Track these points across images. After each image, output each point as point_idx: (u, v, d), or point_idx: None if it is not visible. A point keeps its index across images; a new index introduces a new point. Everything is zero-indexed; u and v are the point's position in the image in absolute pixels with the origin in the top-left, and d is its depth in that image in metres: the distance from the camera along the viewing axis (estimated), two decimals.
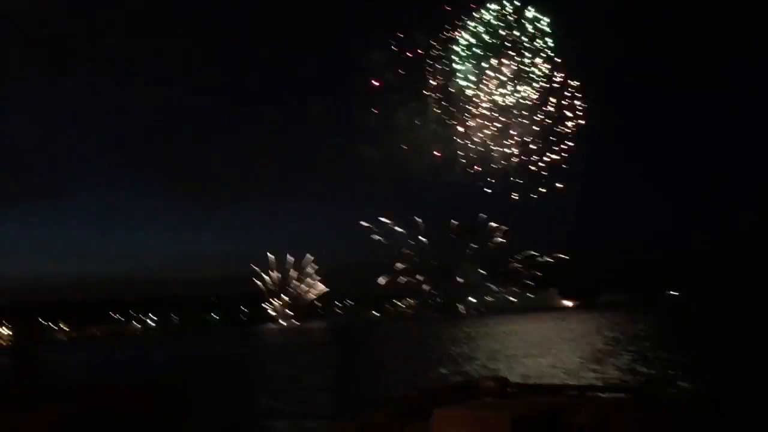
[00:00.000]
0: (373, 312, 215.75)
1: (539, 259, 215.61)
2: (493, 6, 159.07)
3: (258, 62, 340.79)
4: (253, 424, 19.81)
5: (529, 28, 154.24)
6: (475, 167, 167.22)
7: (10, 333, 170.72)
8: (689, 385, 21.29)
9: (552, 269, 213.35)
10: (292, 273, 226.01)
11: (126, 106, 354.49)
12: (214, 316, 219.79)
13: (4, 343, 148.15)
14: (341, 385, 32.58)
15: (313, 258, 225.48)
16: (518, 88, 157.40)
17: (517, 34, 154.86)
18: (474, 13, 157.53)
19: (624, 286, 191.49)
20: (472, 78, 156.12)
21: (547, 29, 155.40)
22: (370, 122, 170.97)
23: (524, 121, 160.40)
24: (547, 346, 46.23)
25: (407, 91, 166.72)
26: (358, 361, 49.31)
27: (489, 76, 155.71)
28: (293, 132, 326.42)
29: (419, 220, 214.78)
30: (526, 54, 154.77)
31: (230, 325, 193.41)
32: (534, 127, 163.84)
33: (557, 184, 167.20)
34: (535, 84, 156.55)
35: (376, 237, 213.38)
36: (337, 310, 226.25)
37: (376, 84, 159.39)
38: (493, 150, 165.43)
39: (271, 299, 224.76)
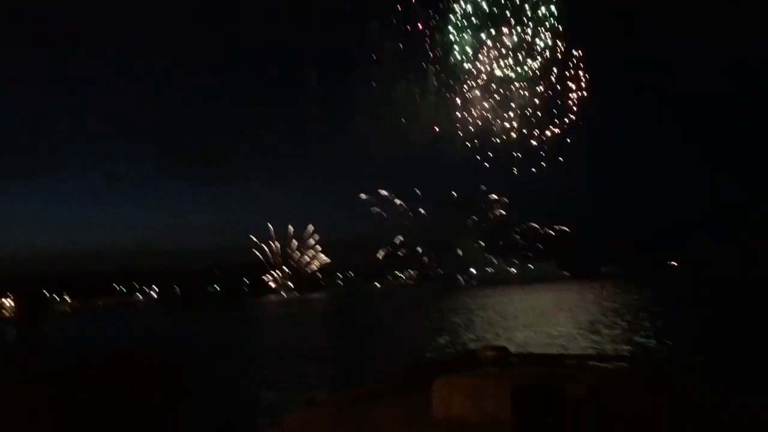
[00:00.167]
0: (375, 283, 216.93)
1: (539, 231, 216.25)
2: None
3: (256, 34, 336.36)
4: (252, 396, 19.99)
5: None
6: (475, 141, 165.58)
7: (14, 305, 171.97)
8: (686, 355, 21.48)
9: (552, 241, 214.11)
10: (293, 244, 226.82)
11: (123, 80, 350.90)
12: (216, 287, 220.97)
13: (8, 315, 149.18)
14: (341, 355, 32.86)
15: (313, 228, 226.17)
16: (519, 58, 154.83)
17: (518, 2, 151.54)
18: None
19: (624, 258, 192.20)
20: (469, 50, 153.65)
21: None
22: (369, 94, 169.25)
23: (525, 93, 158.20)
24: (546, 317, 46.52)
25: (406, 63, 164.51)
26: (359, 331, 49.69)
27: (488, 46, 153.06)
28: (291, 103, 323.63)
29: (419, 192, 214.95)
30: (528, 23, 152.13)
31: (231, 297, 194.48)
32: (535, 100, 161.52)
33: (559, 158, 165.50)
34: (536, 54, 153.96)
35: (376, 209, 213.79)
36: (338, 282, 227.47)
37: (375, 57, 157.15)
38: (492, 123, 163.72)
39: (272, 270, 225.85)
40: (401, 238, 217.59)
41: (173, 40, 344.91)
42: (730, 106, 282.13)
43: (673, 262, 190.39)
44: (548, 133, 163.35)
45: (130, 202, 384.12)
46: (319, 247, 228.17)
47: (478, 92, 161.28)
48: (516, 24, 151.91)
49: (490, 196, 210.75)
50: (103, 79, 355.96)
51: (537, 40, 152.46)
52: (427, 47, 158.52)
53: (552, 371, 8.51)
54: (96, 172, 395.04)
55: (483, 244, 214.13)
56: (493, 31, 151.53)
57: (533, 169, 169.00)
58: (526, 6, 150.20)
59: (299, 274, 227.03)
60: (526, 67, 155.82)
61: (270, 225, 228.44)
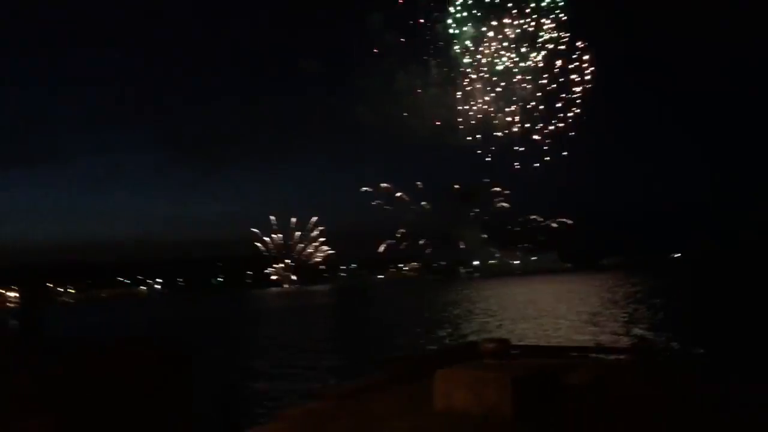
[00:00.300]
0: (377, 275, 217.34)
1: (541, 223, 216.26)
2: None
3: (259, 27, 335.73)
4: (252, 388, 20.05)
5: None
6: (477, 136, 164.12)
7: (17, 296, 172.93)
8: (687, 347, 21.50)
9: (554, 233, 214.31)
10: (296, 236, 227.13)
11: (126, 70, 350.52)
12: (219, 279, 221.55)
13: (11, 306, 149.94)
14: (343, 346, 32.94)
15: (316, 219, 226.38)
16: (521, 51, 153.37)
17: None
18: None
19: (625, 250, 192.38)
20: (470, 43, 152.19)
21: None
22: (371, 86, 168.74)
23: (527, 86, 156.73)
24: (548, 308, 46.58)
25: (408, 56, 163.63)
26: (360, 322, 49.80)
27: (489, 38, 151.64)
28: (294, 95, 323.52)
29: (420, 184, 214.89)
30: (531, 15, 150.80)
31: (234, 288, 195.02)
32: (538, 93, 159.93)
33: (562, 152, 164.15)
34: (539, 47, 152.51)
35: (378, 202, 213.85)
36: (341, 273, 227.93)
37: (377, 49, 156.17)
38: (494, 117, 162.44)
39: (274, 262, 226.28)
40: (403, 231, 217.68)
41: (177, 31, 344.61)
42: (731, 103, 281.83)
43: (675, 254, 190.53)
44: (551, 126, 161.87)
45: (133, 193, 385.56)
46: (322, 239, 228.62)
47: (479, 85, 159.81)
48: (518, 16, 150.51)
49: (492, 188, 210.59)
50: (106, 69, 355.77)
51: (540, 32, 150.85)
52: (429, 40, 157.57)
53: (553, 363, 8.50)
54: (99, 163, 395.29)
55: (485, 236, 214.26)
56: (494, 23, 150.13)
57: (536, 164, 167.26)
58: None
59: (302, 265, 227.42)
60: (529, 62, 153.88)
61: (272, 217, 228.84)
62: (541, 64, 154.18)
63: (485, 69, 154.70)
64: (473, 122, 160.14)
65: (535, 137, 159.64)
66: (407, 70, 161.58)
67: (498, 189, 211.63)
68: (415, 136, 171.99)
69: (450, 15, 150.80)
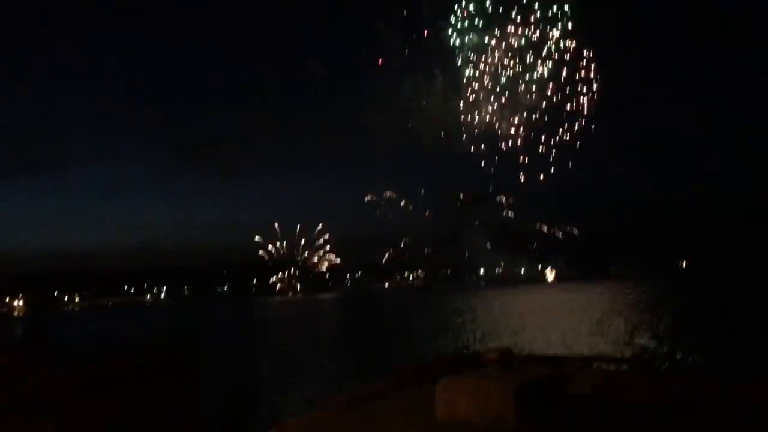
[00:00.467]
0: (383, 283, 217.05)
1: (547, 232, 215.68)
2: None
3: (265, 35, 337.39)
4: (254, 396, 20.06)
5: None
6: (482, 146, 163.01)
7: (22, 305, 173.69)
8: (689, 356, 21.39)
9: (560, 241, 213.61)
10: (301, 244, 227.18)
11: (132, 78, 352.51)
12: (224, 288, 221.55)
13: (18, 314, 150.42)
14: (345, 355, 32.90)
15: (321, 226, 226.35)
16: (527, 60, 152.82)
17: (525, 1, 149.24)
18: None
19: (632, 259, 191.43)
20: (472, 54, 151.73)
21: None
22: (376, 94, 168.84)
23: (532, 96, 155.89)
24: (552, 317, 46.43)
25: (413, 64, 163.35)
26: (363, 331, 49.73)
27: (493, 47, 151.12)
28: (299, 103, 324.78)
29: (424, 192, 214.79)
30: (537, 24, 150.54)
31: (239, 296, 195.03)
32: (543, 103, 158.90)
33: (568, 163, 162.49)
34: (545, 56, 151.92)
35: (382, 210, 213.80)
36: (347, 281, 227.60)
37: (380, 62, 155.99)
38: (499, 127, 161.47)
39: (279, 270, 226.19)
40: (407, 239, 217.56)
41: (184, 37, 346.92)
42: (742, 113, 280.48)
43: (682, 264, 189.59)
44: (556, 138, 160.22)
45: (139, 200, 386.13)
46: (328, 247, 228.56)
47: (482, 95, 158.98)
48: (523, 25, 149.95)
49: (498, 197, 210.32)
50: (111, 76, 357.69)
51: (546, 41, 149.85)
52: (434, 48, 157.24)
53: (555, 372, 8.49)
54: (104, 170, 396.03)
55: (490, 245, 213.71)
56: (498, 32, 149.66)
57: (541, 175, 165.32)
58: (536, 5, 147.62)
59: (307, 274, 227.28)
60: (536, 73, 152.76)
61: (277, 225, 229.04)
62: (546, 74, 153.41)
63: (489, 79, 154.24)
64: (477, 131, 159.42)
65: (541, 148, 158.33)
66: (412, 79, 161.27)
67: (503, 198, 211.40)
68: (419, 144, 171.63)
69: (450, 24, 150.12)
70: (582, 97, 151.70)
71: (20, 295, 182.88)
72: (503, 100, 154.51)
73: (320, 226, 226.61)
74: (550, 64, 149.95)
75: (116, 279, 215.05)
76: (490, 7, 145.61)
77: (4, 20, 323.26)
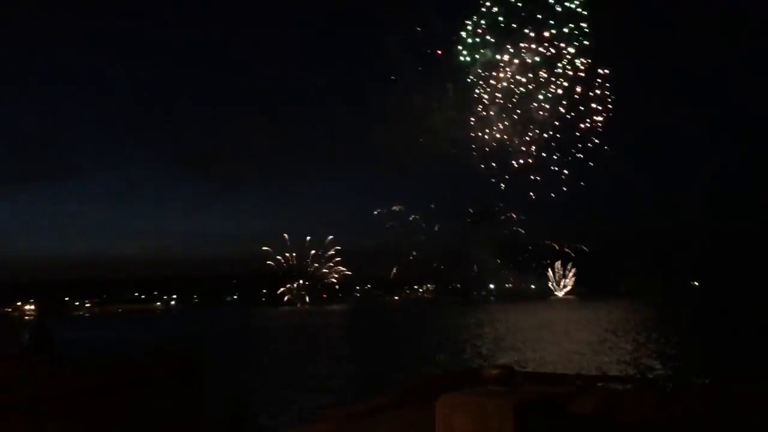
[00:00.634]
0: (392, 297, 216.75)
1: (558, 247, 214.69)
2: None
3: (276, 47, 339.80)
4: (255, 408, 19.99)
5: (557, 7, 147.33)
6: (492, 163, 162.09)
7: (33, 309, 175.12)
8: (696, 376, 21.11)
9: (570, 258, 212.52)
10: (311, 255, 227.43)
11: (143, 87, 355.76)
12: (234, 297, 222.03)
13: (28, 318, 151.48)
14: (351, 366, 32.80)
15: (332, 238, 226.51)
16: (540, 78, 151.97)
17: (539, 17, 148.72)
18: None
19: (643, 277, 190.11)
20: (482, 71, 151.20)
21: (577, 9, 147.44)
22: (386, 108, 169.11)
23: (545, 114, 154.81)
24: (560, 334, 46.10)
25: (424, 79, 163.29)
26: (369, 345, 49.56)
27: (506, 63, 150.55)
28: (310, 116, 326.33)
29: (434, 206, 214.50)
30: (552, 40, 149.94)
31: (248, 307, 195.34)
32: (556, 122, 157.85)
33: (580, 183, 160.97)
34: (559, 74, 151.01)
35: (390, 224, 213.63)
36: (356, 293, 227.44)
37: (392, 72, 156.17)
38: (510, 145, 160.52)
39: (289, 282, 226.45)
40: (416, 253, 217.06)
41: (195, 47, 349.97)
42: (756, 129, 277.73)
43: (694, 283, 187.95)
44: (569, 157, 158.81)
45: (149, 209, 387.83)
46: (338, 259, 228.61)
47: (493, 112, 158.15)
48: (537, 41, 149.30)
49: (507, 213, 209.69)
50: (121, 85, 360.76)
51: (560, 59, 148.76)
52: (445, 64, 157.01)
53: (557, 390, 8.38)
54: (115, 179, 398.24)
55: (499, 261, 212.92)
56: (511, 49, 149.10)
57: (552, 194, 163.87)
58: (551, 22, 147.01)
59: (316, 285, 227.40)
60: (550, 91, 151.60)
61: (287, 236, 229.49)
62: (560, 92, 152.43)
63: (501, 96, 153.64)
64: (487, 149, 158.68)
65: (554, 167, 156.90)
66: (423, 93, 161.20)
67: (513, 214, 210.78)
68: (430, 158, 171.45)
69: (461, 41, 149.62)
70: (596, 116, 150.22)
71: (31, 300, 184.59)
72: (515, 117, 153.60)
73: (330, 237, 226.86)
74: (563, 81, 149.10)
75: (127, 286, 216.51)
76: (503, 24, 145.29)
77: (12, 27, 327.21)
